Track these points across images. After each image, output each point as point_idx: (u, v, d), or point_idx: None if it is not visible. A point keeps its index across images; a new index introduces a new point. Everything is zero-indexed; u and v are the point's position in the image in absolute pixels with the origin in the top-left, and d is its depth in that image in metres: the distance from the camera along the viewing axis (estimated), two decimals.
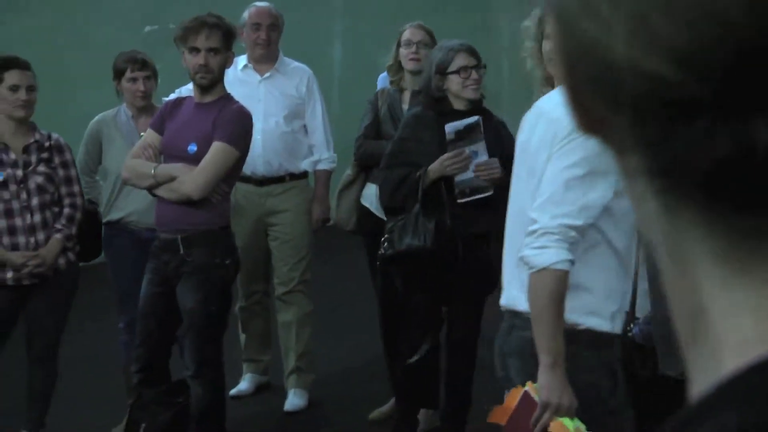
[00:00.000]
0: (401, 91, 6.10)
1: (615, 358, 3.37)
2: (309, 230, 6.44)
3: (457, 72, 5.27)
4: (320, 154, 6.44)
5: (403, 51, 6.05)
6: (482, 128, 5.22)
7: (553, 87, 4.77)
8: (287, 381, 6.44)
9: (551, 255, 3.16)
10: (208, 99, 5.20)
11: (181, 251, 5.13)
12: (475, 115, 5.29)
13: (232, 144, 5.11)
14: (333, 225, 6.39)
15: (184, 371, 5.32)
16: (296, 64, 6.57)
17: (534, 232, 3.20)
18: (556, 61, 0.68)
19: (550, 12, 0.67)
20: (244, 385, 6.58)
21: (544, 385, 3.19)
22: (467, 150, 5.21)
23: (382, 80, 7.08)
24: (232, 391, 6.28)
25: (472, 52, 5.32)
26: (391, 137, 5.94)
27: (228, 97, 5.25)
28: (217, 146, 5.08)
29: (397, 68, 6.11)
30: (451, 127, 5.23)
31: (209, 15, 5.21)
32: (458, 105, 5.32)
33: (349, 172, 6.22)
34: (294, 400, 6.39)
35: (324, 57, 9.09)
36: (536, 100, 5.76)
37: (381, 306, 6.11)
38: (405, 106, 6.04)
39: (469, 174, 5.23)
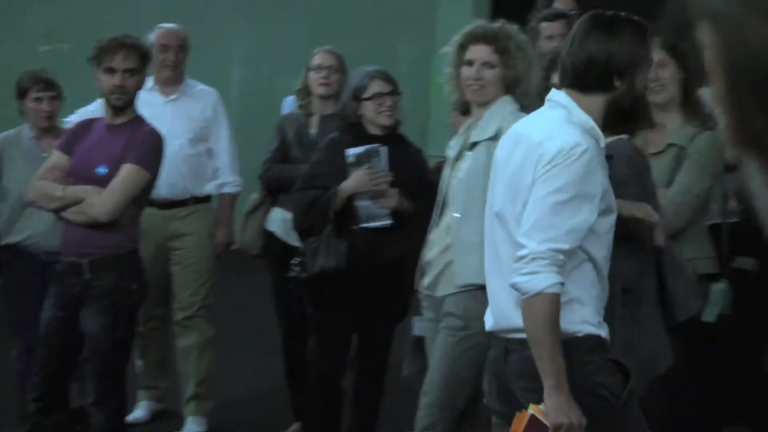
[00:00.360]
0: (309, 115, 6.07)
1: (613, 356, 3.44)
2: (212, 254, 6.35)
3: (371, 98, 5.26)
4: (225, 177, 6.38)
5: (312, 75, 6.03)
6: (386, 157, 5.23)
7: (467, 113, 4.81)
8: (185, 408, 6.33)
9: (542, 279, 3.23)
10: (120, 120, 5.11)
11: (88, 275, 5.01)
12: (390, 141, 5.32)
13: (143, 166, 5.02)
14: (237, 249, 6.31)
15: (85, 398, 5.19)
16: (202, 86, 6.50)
17: (523, 257, 3.27)
18: (713, 72, 0.65)
19: (707, 22, 0.64)
20: (139, 412, 6.44)
21: (553, 407, 3.26)
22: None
23: (289, 104, 7.04)
24: (127, 419, 6.13)
25: (387, 78, 5.33)
26: (299, 161, 5.91)
27: (140, 119, 5.16)
28: (127, 168, 4.99)
29: (305, 92, 6.08)
30: (352, 151, 5.26)
31: (126, 36, 5.13)
32: (373, 130, 5.33)
33: (255, 195, 6.16)
34: (192, 427, 6.28)
35: (221, 79, 8.98)
36: (448, 125, 5.77)
37: (286, 330, 6.07)
38: (313, 131, 6.01)
39: (367, 200, 5.25)
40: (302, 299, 5.45)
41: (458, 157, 4.69)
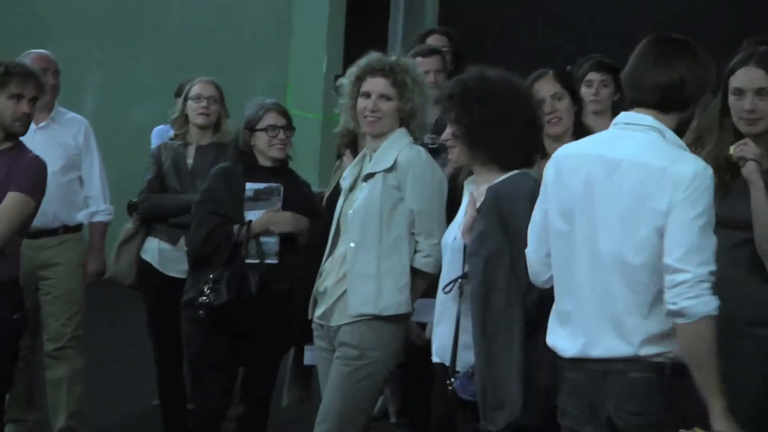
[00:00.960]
0: (186, 145, 6.05)
1: None
2: (83, 284, 6.25)
3: (264, 130, 5.29)
4: (97, 205, 6.28)
5: (192, 105, 6.02)
6: (282, 196, 5.26)
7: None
8: None
9: (709, 302, 3.29)
10: (2, 147, 5.02)
11: None
12: (280, 174, 5.35)
13: (28, 194, 4.94)
14: (109, 278, 6.23)
15: None
16: (72, 114, 6.43)
17: (685, 282, 3.29)
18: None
19: None
20: None
21: (726, 430, 3.29)
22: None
23: (157, 134, 7.01)
24: None
25: (282, 112, 5.37)
26: (176, 191, 5.89)
27: (22, 146, 5.07)
28: (13, 196, 4.89)
29: (182, 122, 6.06)
30: (251, 186, 5.26)
31: (26, 64, 5.08)
32: (264, 161, 5.35)
33: (129, 225, 6.09)
34: None
35: (74, 108, 8.85)
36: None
37: (162, 360, 6.03)
38: (190, 161, 5.99)
39: (269, 237, 5.28)
40: (189, 329, 5.39)
41: (352, 187, 4.74)
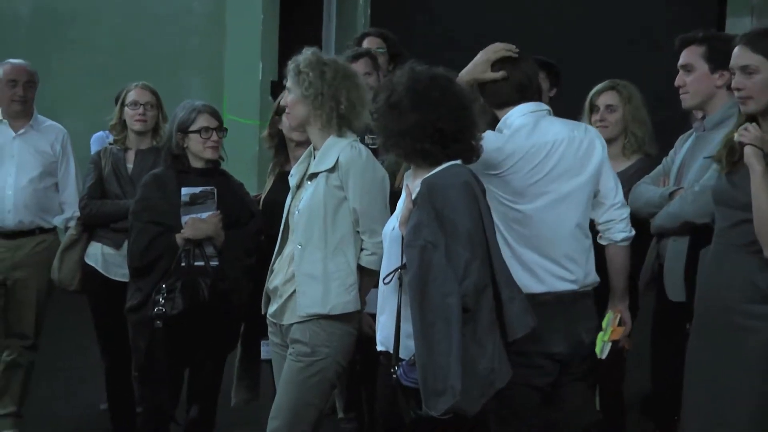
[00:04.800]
0: (125, 150, 6.11)
1: None
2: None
3: (198, 131, 5.35)
4: (72, 211, 6.41)
5: (129, 111, 6.07)
6: (216, 199, 5.31)
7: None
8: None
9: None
10: None
11: None
12: (213, 176, 5.41)
13: None
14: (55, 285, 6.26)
15: None
16: (50, 122, 6.66)
17: (628, 215, 4.64)
18: None
19: None
20: None
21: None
22: (201, 215, 5.30)
23: (96, 140, 7.07)
24: None
25: (213, 113, 5.41)
26: (117, 197, 5.94)
27: None
28: None
29: (121, 127, 6.12)
30: (186, 191, 5.30)
31: None
32: (196, 163, 5.39)
33: (72, 231, 6.14)
34: None
35: None
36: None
37: (110, 363, 6.11)
38: (130, 166, 6.04)
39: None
40: (135, 334, 5.43)
41: (299, 185, 4.76)
